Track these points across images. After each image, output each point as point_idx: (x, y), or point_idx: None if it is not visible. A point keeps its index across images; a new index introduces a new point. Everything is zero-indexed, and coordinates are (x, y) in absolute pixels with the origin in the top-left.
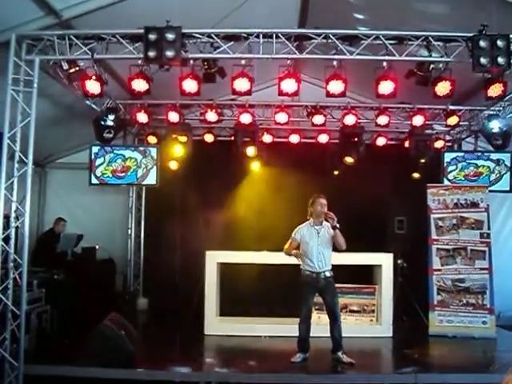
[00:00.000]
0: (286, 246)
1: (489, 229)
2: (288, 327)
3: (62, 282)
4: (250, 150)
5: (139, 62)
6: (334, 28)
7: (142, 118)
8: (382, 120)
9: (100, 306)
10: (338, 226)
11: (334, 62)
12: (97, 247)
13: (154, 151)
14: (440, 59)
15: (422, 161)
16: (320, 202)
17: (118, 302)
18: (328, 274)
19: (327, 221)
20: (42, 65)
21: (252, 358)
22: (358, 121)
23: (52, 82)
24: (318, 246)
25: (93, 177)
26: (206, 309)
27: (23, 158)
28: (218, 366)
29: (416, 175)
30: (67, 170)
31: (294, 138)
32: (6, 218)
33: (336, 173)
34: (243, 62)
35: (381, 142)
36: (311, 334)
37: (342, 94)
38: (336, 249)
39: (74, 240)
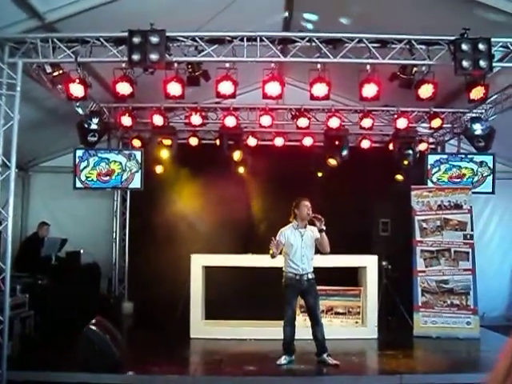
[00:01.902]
0: (271, 252)
1: (472, 230)
2: (273, 330)
3: (46, 286)
4: (235, 153)
5: (123, 65)
6: (318, 31)
7: (127, 121)
8: (366, 123)
9: (85, 311)
10: (324, 228)
11: (318, 65)
12: (81, 251)
13: (138, 155)
14: (423, 62)
15: (406, 163)
16: (305, 205)
17: (103, 306)
18: (310, 275)
19: (313, 223)
20: (25, 68)
21: (238, 361)
22: (342, 123)
23: (35, 86)
24: (302, 249)
25: (77, 180)
26: (191, 312)
27: (6, 161)
28: (204, 370)
29: (399, 177)
30: (51, 173)
31: (279, 141)
32: None
33: (320, 175)
34: (227, 65)
35: (365, 144)
36: (297, 337)
37: (326, 97)
38: (319, 251)
39: (58, 244)
